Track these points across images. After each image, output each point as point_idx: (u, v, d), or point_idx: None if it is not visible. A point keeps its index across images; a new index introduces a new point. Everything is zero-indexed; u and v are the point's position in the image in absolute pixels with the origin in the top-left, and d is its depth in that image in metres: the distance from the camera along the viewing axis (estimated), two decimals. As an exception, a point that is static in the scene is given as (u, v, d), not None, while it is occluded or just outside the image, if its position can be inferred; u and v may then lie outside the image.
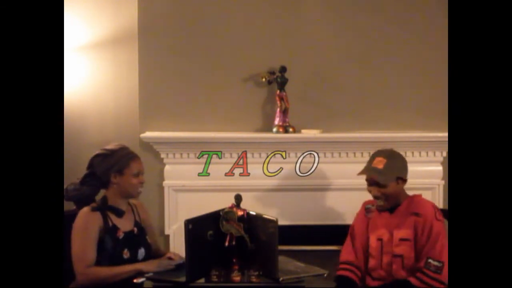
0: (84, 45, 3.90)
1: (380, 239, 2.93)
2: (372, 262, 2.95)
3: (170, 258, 2.85)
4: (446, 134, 3.44)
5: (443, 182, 3.73)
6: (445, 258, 2.78)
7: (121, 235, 2.82)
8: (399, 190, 2.93)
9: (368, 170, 2.94)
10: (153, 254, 2.96)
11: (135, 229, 2.90)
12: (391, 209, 2.94)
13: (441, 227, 2.83)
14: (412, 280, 2.80)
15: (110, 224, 2.81)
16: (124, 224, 2.86)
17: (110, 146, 2.92)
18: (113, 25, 3.91)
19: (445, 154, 3.71)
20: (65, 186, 2.93)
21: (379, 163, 2.91)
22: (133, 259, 2.82)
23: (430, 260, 2.79)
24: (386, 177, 2.89)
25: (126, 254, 2.80)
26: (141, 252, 2.86)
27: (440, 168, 3.74)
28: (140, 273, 2.73)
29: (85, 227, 2.77)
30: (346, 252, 3.05)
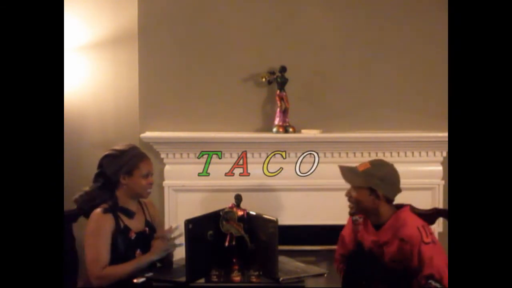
0: (84, 45, 3.90)
1: (372, 250, 2.86)
2: None
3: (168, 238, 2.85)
4: (446, 134, 3.43)
5: (443, 182, 3.72)
6: (445, 273, 2.63)
7: (133, 235, 2.82)
8: (373, 204, 2.75)
9: (345, 167, 2.83)
10: None
11: (147, 229, 2.90)
12: (376, 226, 2.80)
13: (433, 249, 2.66)
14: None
15: (122, 225, 2.81)
16: (136, 225, 2.87)
17: (120, 147, 2.90)
18: (113, 25, 3.91)
19: (445, 154, 3.71)
20: (75, 197, 2.91)
21: (363, 166, 2.80)
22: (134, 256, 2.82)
23: (430, 281, 2.63)
24: (355, 178, 2.76)
25: (138, 254, 2.81)
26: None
27: (440, 168, 3.73)
28: (140, 273, 2.73)
29: (99, 229, 2.76)
30: (338, 260, 3.04)
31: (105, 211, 2.80)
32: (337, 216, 3.68)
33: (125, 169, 2.83)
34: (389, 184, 2.77)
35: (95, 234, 2.76)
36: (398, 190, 2.80)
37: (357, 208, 2.80)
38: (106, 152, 2.90)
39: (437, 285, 2.64)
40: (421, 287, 2.68)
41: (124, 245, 2.78)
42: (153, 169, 2.94)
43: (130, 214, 2.85)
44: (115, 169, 2.84)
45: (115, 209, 2.82)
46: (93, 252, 2.74)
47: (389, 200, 2.79)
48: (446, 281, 2.63)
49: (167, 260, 2.92)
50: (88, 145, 3.91)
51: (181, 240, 2.72)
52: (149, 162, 2.90)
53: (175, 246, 2.83)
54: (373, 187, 2.73)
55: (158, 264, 2.88)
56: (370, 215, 2.81)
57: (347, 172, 2.82)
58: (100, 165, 2.89)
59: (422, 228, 2.71)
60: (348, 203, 2.83)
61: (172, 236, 2.83)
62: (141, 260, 2.77)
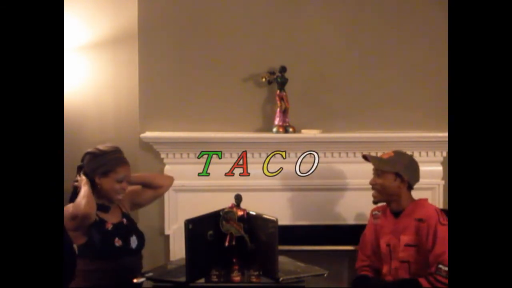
0: (84, 45, 3.90)
1: (388, 245, 2.94)
2: (384, 268, 2.97)
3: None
4: (446, 134, 3.43)
5: (443, 182, 3.72)
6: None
7: (110, 226, 2.86)
8: (398, 189, 2.94)
9: (372, 156, 3.06)
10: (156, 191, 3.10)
11: (124, 220, 2.94)
12: (396, 214, 2.95)
13: (446, 232, 2.78)
14: (422, 281, 2.79)
15: (97, 218, 2.83)
16: (112, 218, 2.91)
17: (103, 147, 2.94)
18: (113, 25, 3.91)
19: (445, 154, 3.71)
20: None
21: (386, 154, 3.03)
22: (126, 247, 2.85)
23: (440, 266, 2.77)
24: (383, 164, 2.95)
25: (118, 242, 2.83)
26: (133, 239, 2.89)
27: (440, 168, 3.73)
28: (140, 273, 2.74)
29: (73, 215, 2.77)
30: (360, 260, 3.16)
31: None
32: (337, 216, 3.71)
33: (102, 170, 2.87)
34: (412, 171, 3.00)
35: (70, 217, 2.76)
36: (418, 178, 3.02)
37: (382, 194, 2.97)
38: (89, 149, 2.94)
39: (446, 268, 2.75)
40: (429, 273, 2.74)
41: (101, 235, 2.81)
42: (130, 175, 2.96)
43: (105, 208, 2.90)
44: (93, 167, 2.88)
45: None
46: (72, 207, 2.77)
47: (410, 187, 2.99)
48: None
49: None
50: (88, 145, 3.88)
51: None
52: (127, 167, 2.93)
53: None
54: (399, 172, 2.94)
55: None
56: (392, 202, 2.98)
57: (375, 160, 3.02)
58: (82, 159, 2.95)
59: (439, 211, 2.93)
60: (372, 193, 3.00)
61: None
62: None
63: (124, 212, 2.98)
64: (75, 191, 2.89)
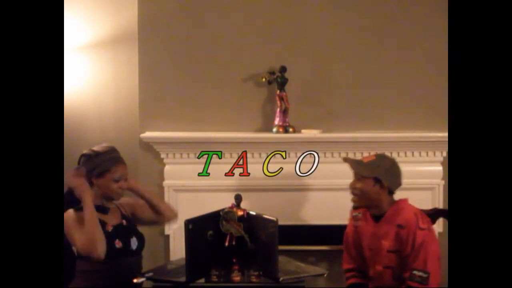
0: (84, 45, 3.90)
1: (371, 249, 2.90)
2: (370, 271, 2.94)
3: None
4: (446, 134, 3.43)
5: (443, 182, 3.72)
6: (431, 267, 2.71)
7: (110, 228, 2.84)
8: (377, 194, 2.84)
9: (353, 159, 2.98)
10: (157, 216, 3.03)
11: (124, 221, 2.92)
12: (377, 218, 2.89)
13: (426, 236, 2.75)
14: None
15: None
16: (112, 219, 2.89)
17: (98, 148, 2.92)
18: (113, 25, 3.91)
19: (445, 154, 3.71)
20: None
21: (367, 158, 2.95)
22: (126, 248, 2.84)
23: (414, 272, 2.71)
24: (362, 169, 2.86)
25: (118, 243, 2.81)
26: (134, 241, 2.88)
27: (440, 168, 3.73)
28: (140, 273, 2.73)
29: (75, 223, 2.76)
30: (346, 262, 3.08)
31: (78, 209, 2.81)
32: (337, 216, 3.70)
33: (97, 171, 2.85)
34: (393, 176, 2.88)
35: (72, 227, 2.74)
36: (400, 183, 2.90)
37: (361, 199, 2.88)
38: (85, 151, 2.92)
39: (421, 274, 2.70)
40: (404, 278, 2.73)
41: None
42: (127, 174, 2.93)
43: (104, 210, 2.88)
44: (88, 169, 2.86)
45: None
46: (84, 240, 2.71)
47: (391, 192, 2.88)
48: (430, 269, 2.70)
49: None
50: (88, 145, 3.88)
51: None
52: (123, 167, 2.91)
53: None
54: (378, 177, 2.83)
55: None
56: (372, 207, 2.89)
57: (354, 164, 2.92)
58: (78, 162, 2.93)
59: (419, 214, 2.83)
60: (351, 197, 2.91)
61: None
62: (84, 207, 2.76)
63: (124, 213, 2.97)
64: (70, 195, 2.84)
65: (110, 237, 2.79)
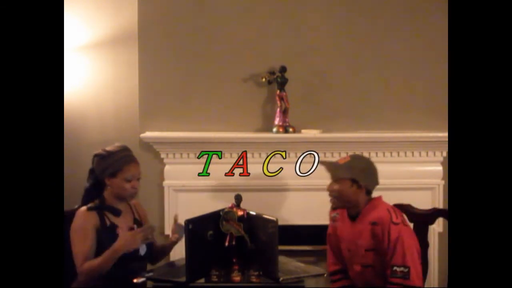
0: (84, 45, 3.90)
1: (349, 250, 2.90)
2: (350, 272, 2.94)
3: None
4: (446, 134, 3.43)
5: (443, 182, 3.72)
6: (411, 261, 2.70)
7: (120, 232, 2.82)
8: (355, 195, 2.84)
9: (327, 162, 2.98)
10: (155, 251, 2.98)
11: (135, 226, 2.90)
12: (353, 217, 2.89)
13: (400, 230, 2.75)
14: None
15: (108, 223, 2.81)
16: (123, 222, 2.86)
17: (110, 147, 2.91)
18: (113, 25, 3.91)
19: (445, 154, 3.70)
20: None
21: (343, 159, 2.95)
22: (135, 255, 2.82)
23: (395, 268, 2.71)
24: (337, 171, 2.87)
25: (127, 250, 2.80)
26: (143, 247, 2.86)
27: (440, 168, 3.73)
28: (140, 273, 2.73)
29: (81, 227, 2.77)
30: (331, 263, 3.07)
31: (90, 209, 2.81)
32: (337, 216, 3.69)
33: (109, 171, 2.83)
34: (369, 176, 2.88)
35: (77, 231, 2.77)
36: (376, 182, 2.91)
37: (339, 200, 2.89)
38: (97, 151, 2.91)
39: (402, 269, 2.70)
40: (386, 276, 2.72)
41: (110, 242, 2.76)
42: (140, 173, 2.91)
43: (116, 212, 2.86)
44: (101, 169, 2.85)
45: (100, 207, 2.82)
46: (77, 249, 2.75)
47: (368, 192, 2.89)
48: (409, 263, 2.70)
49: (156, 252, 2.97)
50: (88, 145, 3.90)
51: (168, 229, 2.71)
52: (135, 166, 2.88)
53: (145, 235, 2.78)
54: (355, 177, 2.83)
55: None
56: (350, 207, 2.90)
57: (330, 166, 2.93)
58: (92, 162, 2.92)
59: (391, 210, 2.84)
60: (329, 199, 2.92)
61: (147, 228, 2.83)
62: (110, 251, 2.73)
63: (136, 217, 2.95)
64: (88, 195, 2.87)
65: None
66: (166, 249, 3.04)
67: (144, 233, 2.78)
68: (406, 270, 2.70)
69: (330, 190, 2.89)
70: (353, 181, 2.83)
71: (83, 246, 2.74)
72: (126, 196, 2.88)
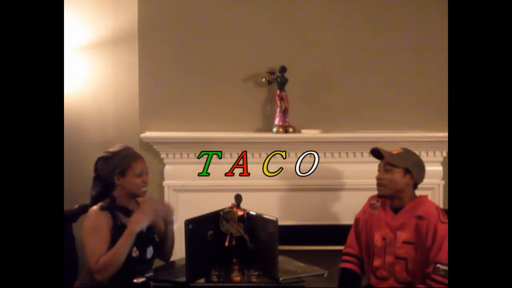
0: (84, 45, 3.90)
1: (384, 238, 2.92)
2: (377, 261, 2.95)
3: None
4: (446, 134, 3.44)
5: (443, 182, 3.72)
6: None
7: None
8: (405, 185, 2.90)
9: (384, 149, 2.99)
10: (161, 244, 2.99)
11: (144, 228, 2.89)
12: (396, 210, 2.93)
13: (446, 230, 2.76)
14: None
15: (119, 223, 2.81)
16: None
17: (112, 148, 2.90)
18: (113, 25, 3.92)
19: (445, 154, 3.71)
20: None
21: (395, 150, 2.99)
22: (142, 257, 2.82)
23: (438, 265, 2.73)
24: (395, 158, 2.92)
25: (135, 252, 2.80)
26: (150, 250, 2.87)
27: (440, 168, 3.73)
28: (140, 273, 2.73)
29: (96, 226, 2.76)
30: (349, 245, 3.11)
31: (102, 208, 2.81)
32: (337, 216, 3.71)
33: (118, 170, 2.83)
34: (421, 170, 2.97)
35: (92, 230, 2.76)
36: (424, 177, 2.99)
37: (389, 189, 2.92)
38: (100, 155, 2.90)
39: (445, 267, 2.71)
40: (426, 273, 2.72)
41: None
42: (147, 168, 2.93)
43: (127, 212, 2.85)
44: (108, 171, 2.84)
45: (112, 207, 2.82)
46: (91, 249, 2.74)
47: (415, 186, 2.96)
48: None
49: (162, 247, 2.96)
50: (88, 145, 3.91)
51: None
52: (142, 161, 2.90)
53: (153, 207, 2.81)
54: (409, 168, 2.91)
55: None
56: (395, 198, 2.94)
57: (387, 153, 2.96)
58: (96, 169, 2.91)
59: (440, 209, 2.89)
60: (378, 187, 2.95)
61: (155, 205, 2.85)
62: (125, 233, 2.73)
63: None
64: (96, 202, 2.86)
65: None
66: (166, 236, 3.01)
67: (151, 205, 2.80)
68: (447, 269, 2.69)
69: (381, 178, 2.93)
70: (407, 171, 2.90)
71: (98, 245, 2.73)
72: (138, 191, 2.87)
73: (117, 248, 2.71)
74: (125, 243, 2.72)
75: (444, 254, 2.73)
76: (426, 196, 3.00)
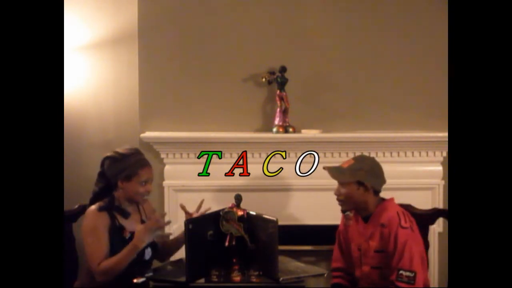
0: (84, 45, 3.90)
1: (359, 249, 2.89)
2: (357, 271, 2.93)
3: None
4: (446, 134, 3.43)
5: (443, 182, 3.72)
6: (417, 266, 2.70)
7: (127, 235, 2.81)
8: (363, 197, 2.84)
9: (331, 167, 2.94)
10: (160, 249, 2.97)
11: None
12: (366, 218, 2.89)
13: (408, 235, 2.74)
14: None
15: (117, 224, 2.81)
16: (131, 225, 2.85)
17: (123, 150, 2.87)
18: (113, 25, 3.91)
19: (445, 154, 3.70)
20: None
21: (346, 163, 2.93)
22: (140, 259, 2.81)
23: (401, 272, 2.70)
24: (342, 175, 2.86)
25: None
26: (148, 252, 2.86)
27: (440, 168, 3.73)
28: (139, 273, 2.73)
29: (94, 226, 2.76)
30: (335, 259, 3.07)
31: (100, 209, 2.80)
32: (337, 216, 3.69)
33: (124, 174, 2.81)
34: (375, 176, 2.88)
35: (90, 232, 2.76)
36: (383, 181, 2.90)
37: (347, 203, 2.89)
38: (109, 154, 2.87)
39: (408, 273, 2.70)
40: (391, 280, 2.72)
41: (118, 244, 2.76)
42: (153, 176, 2.91)
43: (125, 214, 2.85)
44: (114, 172, 2.82)
45: (110, 208, 2.81)
46: (91, 249, 2.74)
47: (376, 192, 2.88)
48: (416, 268, 2.70)
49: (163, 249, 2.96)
50: (88, 145, 3.91)
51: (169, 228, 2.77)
52: (149, 169, 2.87)
53: (158, 226, 2.78)
54: (360, 180, 2.83)
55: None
56: (360, 209, 2.90)
57: (334, 171, 2.91)
58: (102, 165, 2.89)
59: (401, 213, 2.83)
60: (338, 202, 2.91)
61: (159, 220, 2.81)
62: (130, 246, 2.73)
63: (143, 219, 2.93)
64: (97, 198, 2.85)
65: (126, 245, 2.77)
66: (178, 244, 2.99)
67: (154, 224, 2.76)
68: (412, 275, 2.69)
69: (338, 194, 2.89)
70: (359, 184, 2.83)
71: (98, 247, 2.73)
72: (139, 199, 2.87)
73: (120, 258, 2.71)
74: (129, 256, 2.72)
75: (406, 260, 2.70)
76: (390, 200, 2.90)
